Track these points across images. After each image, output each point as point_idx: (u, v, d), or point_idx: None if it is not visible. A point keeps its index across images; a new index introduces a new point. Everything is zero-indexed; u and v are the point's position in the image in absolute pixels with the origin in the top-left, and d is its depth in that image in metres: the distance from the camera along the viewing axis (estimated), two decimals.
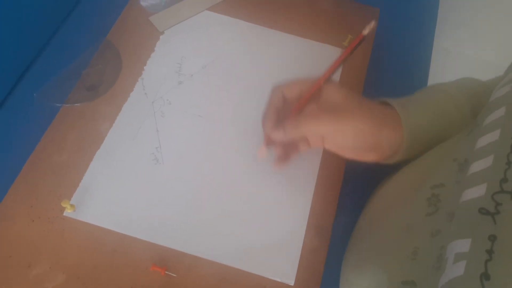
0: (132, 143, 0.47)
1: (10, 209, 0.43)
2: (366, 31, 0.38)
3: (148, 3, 0.55)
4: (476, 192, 0.26)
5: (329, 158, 0.49)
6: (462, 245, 0.25)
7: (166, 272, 0.41)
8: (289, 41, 0.56)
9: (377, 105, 0.38)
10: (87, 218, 0.43)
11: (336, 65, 0.40)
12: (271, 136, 0.40)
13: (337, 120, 0.36)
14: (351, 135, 0.36)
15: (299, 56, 0.55)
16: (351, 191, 0.48)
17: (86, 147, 0.47)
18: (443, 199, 0.31)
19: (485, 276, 0.22)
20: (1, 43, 0.47)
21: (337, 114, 0.36)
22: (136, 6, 0.57)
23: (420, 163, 0.40)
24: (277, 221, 0.45)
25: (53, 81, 0.50)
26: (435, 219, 0.30)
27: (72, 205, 0.42)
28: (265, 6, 0.59)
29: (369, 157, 0.39)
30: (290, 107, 0.41)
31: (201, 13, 0.57)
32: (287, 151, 0.44)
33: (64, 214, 0.43)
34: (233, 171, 0.47)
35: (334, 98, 0.38)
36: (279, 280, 0.42)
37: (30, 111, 0.49)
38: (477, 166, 0.28)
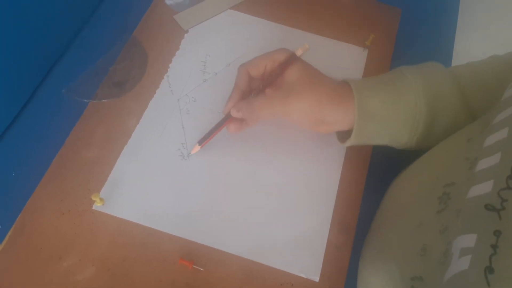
0: (158, 139, 0.48)
1: (41, 202, 0.44)
2: (300, 53, 0.45)
3: (173, 2, 0.56)
4: (483, 189, 0.27)
5: (353, 155, 0.49)
6: (468, 240, 0.25)
7: (194, 266, 0.42)
8: (311, 39, 0.57)
9: (332, 84, 0.42)
10: (116, 212, 0.44)
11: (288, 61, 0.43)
12: (231, 114, 0.45)
13: (285, 103, 0.41)
14: (296, 114, 0.41)
15: (321, 54, 0.56)
16: (374, 188, 0.48)
17: (114, 142, 0.47)
18: (453, 197, 0.31)
19: (489, 269, 0.22)
20: (30, 39, 0.48)
21: (287, 97, 0.41)
22: (161, 5, 0.57)
23: (433, 162, 0.40)
24: (302, 218, 0.45)
25: (81, 77, 0.51)
26: (443, 216, 0.31)
27: (101, 199, 0.43)
28: (287, 6, 0.60)
29: (320, 129, 0.43)
30: (256, 84, 0.45)
31: (224, 12, 0.58)
32: (241, 125, 0.47)
33: (93, 207, 0.44)
34: (258, 166, 0.47)
35: (290, 77, 0.42)
36: (304, 276, 0.42)
37: (59, 106, 0.50)
38: (484, 163, 0.28)
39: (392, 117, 0.41)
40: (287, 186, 0.47)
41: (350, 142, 0.43)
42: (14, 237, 0.42)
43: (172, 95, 0.51)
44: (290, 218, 0.45)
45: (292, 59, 0.43)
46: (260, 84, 0.44)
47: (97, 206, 0.44)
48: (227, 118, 0.46)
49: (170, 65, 0.53)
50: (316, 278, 0.42)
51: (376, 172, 0.49)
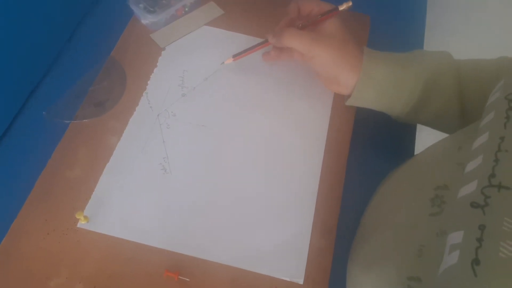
0: (140, 154, 0.49)
1: (26, 223, 0.44)
2: (342, 7, 0.48)
3: (149, 21, 0.57)
4: (469, 189, 0.29)
5: (330, 158, 0.51)
6: (456, 237, 0.27)
7: (180, 277, 0.42)
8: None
9: (356, 50, 0.47)
10: (101, 228, 0.44)
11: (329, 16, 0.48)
12: (267, 37, 0.50)
13: (312, 44, 0.45)
14: (318, 59, 0.46)
15: (295, 63, 0.57)
16: (354, 190, 0.49)
17: (96, 160, 0.48)
18: (448, 201, 0.33)
19: (476, 261, 0.24)
20: (10, 65, 0.49)
21: (317, 40, 0.45)
22: (138, 24, 0.59)
23: (423, 164, 0.42)
24: (284, 223, 0.46)
25: (61, 99, 0.52)
26: (440, 220, 0.32)
27: (85, 217, 0.44)
28: (261, 19, 0.62)
29: (331, 87, 0.50)
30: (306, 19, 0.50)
31: (200, 28, 0.60)
32: (279, 54, 0.54)
33: (78, 225, 0.44)
34: (238, 176, 0.49)
35: (328, 27, 0.47)
36: (288, 279, 0.43)
37: (40, 128, 0.51)
38: (471, 166, 0.31)
39: (390, 88, 0.46)
40: (269, 194, 0.48)
41: (349, 102, 0.49)
42: (0, 261, 0.42)
43: (152, 111, 0.52)
44: (272, 225, 0.46)
45: (335, 12, 0.48)
46: (302, 23, 0.49)
47: (82, 224, 0.44)
48: (265, 42, 0.51)
49: (148, 82, 0.54)
50: (301, 281, 0.43)
51: (354, 176, 0.50)
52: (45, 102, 0.52)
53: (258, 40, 0.55)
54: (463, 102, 0.46)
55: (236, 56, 0.53)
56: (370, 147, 0.55)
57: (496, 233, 0.24)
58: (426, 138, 0.56)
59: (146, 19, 0.57)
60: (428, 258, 0.31)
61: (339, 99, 0.55)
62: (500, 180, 0.27)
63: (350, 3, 0.48)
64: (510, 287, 0.22)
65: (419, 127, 0.55)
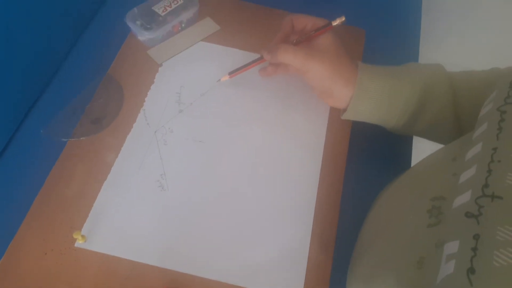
0: (137, 172, 0.49)
1: (23, 243, 0.44)
2: (336, 22, 0.48)
3: (146, 38, 0.58)
4: (463, 199, 0.29)
5: (328, 170, 0.51)
6: (452, 246, 0.27)
7: None
8: None
9: (350, 64, 0.47)
10: (98, 247, 0.44)
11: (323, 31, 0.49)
12: (261, 53, 0.51)
13: (306, 59, 0.46)
14: (312, 73, 0.47)
15: (291, 77, 0.58)
16: (351, 202, 0.49)
17: (93, 178, 0.48)
18: (445, 212, 0.33)
19: (471, 270, 0.24)
20: (7, 83, 0.50)
21: (310, 56, 0.46)
22: (135, 41, 0.59)
23: (419, 176, 0.42)
24: (282, 237, 0.46)
25: (58, 117, 0.52)
26: (438, 230, 0.32)
27: (83, 236, 0.44)
28: (257, 35, 0.62)
29: (329, 101, 0.50)
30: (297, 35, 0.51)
31: (196, 44, 0.60)
32: (275, 69, 0.55)
33: (76, 245, 0.44)
34: (236, 191, 0.49)
35: (322, 42, 0.47)
36: None
37: (38, 146, 0.51)
38: (465, 176, 0.31)
39: (386, 99, 0.46)
40: (266, 208, 0.48)
41: (345, 116, 0.49)
42: None
43: (149, 128, 0.52)
44: (270, 238, 0.46)
45: (328, 27, 0.48)
46: (296, 38, 0.50)
47: (79, 243, 0.44)
48: (260, 58, 0.52)
49: (145, 98, 0.55)
50: None
51: (351, 188, 0.51)
52: (42, 119, 0.52)
53: (254, 55, 0.55)
54: (457, 110, 0.46)
55: (232, 73, 0.54)
56: (367, 159, 0.55)
57: (490, 242, 0.25)
58: (422, 149, 0.56)
59: (143, 36, 0.58)
60: (428, 270, 0.31)
61: (335, 112, 0.55)
62: (493, 190, 0.27)
63: (343, 18, 0.48)
64: None
65: (416, 138, 0.55)
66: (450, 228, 0.30)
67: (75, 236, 0.43)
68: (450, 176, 0.34)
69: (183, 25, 0.61)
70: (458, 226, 0.28)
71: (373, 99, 0.46)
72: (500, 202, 0.26)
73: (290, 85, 0.58)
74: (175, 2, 0.59)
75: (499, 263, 0.24)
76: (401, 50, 0.65)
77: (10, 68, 0.50)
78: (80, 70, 0.58)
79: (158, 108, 0.54)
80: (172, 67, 0.58)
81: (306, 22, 0.49)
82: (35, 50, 0.53)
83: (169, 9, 0.59)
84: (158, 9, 0.59)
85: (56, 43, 0.57)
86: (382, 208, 0.45)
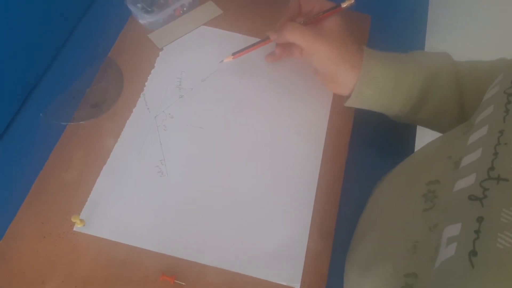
0: (137, 157, 0.49)
1: (22, 227, 0.44)
2: (345, 4, 0.48)
3: (147, 21, 0.57)
4: (466, 182, 0.29)
5: (329, 160, 0.50)
6: (453, 229, 0.27)
7: (175, 281, 0.42)
8: None
9: (355, 48, 0.46)
10: (97, 232, 0.44)
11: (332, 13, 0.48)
12: (268, 34, 0.50)
13: (314, 40, 0.45)
14: (317, 55, 0.46)
15: (294, 64, 0.57)
16: (352, 192, 0.49)
17: (92, 163, 0.48)
18: (439, 195, 0.33)
19: (473, 253, 0.24)
20: (6, 67, 0.49)
21: (317, 37, 0.45)
22: (135, 25, 0.58)
23: (414, 161, 0.42)
24: (281, 226, 0.46)
25: (58, 101, 0.52)
26: (432, 214, 0.32)
27: (81, 220, 0.44)
28: (260, 19, 0.61)
29: (332, 87, 0.49)
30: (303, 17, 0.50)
31: (198, 28, 0.59)
32: (282, 52, 0.54)
33: (74, 229, 0.44)
34: (235, 178, 0.48)
35: (330, 24, 0.46)
36: (285, 284, 0.43)
37: (37, 130, 0.50)
38: (468, 160, 0.31)
39: (390, 86, 0.45)
40: (266, 196, 0.47)
41: (348, 102, 0.48)
42: None
43: (149, 113, 0.52)
44: (269, 228, 0.46)
45: (338, 9, 0.47)
46: (304, 19, 0.49)
47: (78, 227, 0.44)
48: (266, 39, 0.51)
49: (146, 83, 0.54)
50: (297, 285, 0.43)
51: (353, 178, 0.50)
52: (42, 103, 0.51)
53: (257, 39, 0.54)
54: (461, 100, 0.45)
55: (236, 53, 0.53)
56: (369, 149, 0.54)
57: (494, 224, 0.24)
58: (426, 139, 0.55)
59: (144, 19, 0.57)
60: (422, 253, 0.31)
61: (338, 100, 0.54)
62: (499, 173, 0.27)
63: (352, 1, 0.47)
64: (506, 277, 0.22)
65: (419, 127, 0.54)
66: (451, 211, 0.29)
67: (73, 220, 0.43)
68: (445, 160, 0.34)
69: (185, 8, 0.60)
70: (460, 209, 0.28)
71: (378, 85, 0.45)
72: (505, 184, 0.26)
73: (293, 72, 0.56)
74: None
75: (503, 245, 0.23)
76: (406, 39, 0.64)
77: (9, 51, 0.49)
78: (80, 53, 0.57)
79: (158, 93, 0.53)
80: (173, 51, 0.57)
81: (313, 4, 0.49)
82: (35, 33, 0.52)
83: None
84: None
85: (57, 26, 0.57)
86: (380, 195, 0.44)
